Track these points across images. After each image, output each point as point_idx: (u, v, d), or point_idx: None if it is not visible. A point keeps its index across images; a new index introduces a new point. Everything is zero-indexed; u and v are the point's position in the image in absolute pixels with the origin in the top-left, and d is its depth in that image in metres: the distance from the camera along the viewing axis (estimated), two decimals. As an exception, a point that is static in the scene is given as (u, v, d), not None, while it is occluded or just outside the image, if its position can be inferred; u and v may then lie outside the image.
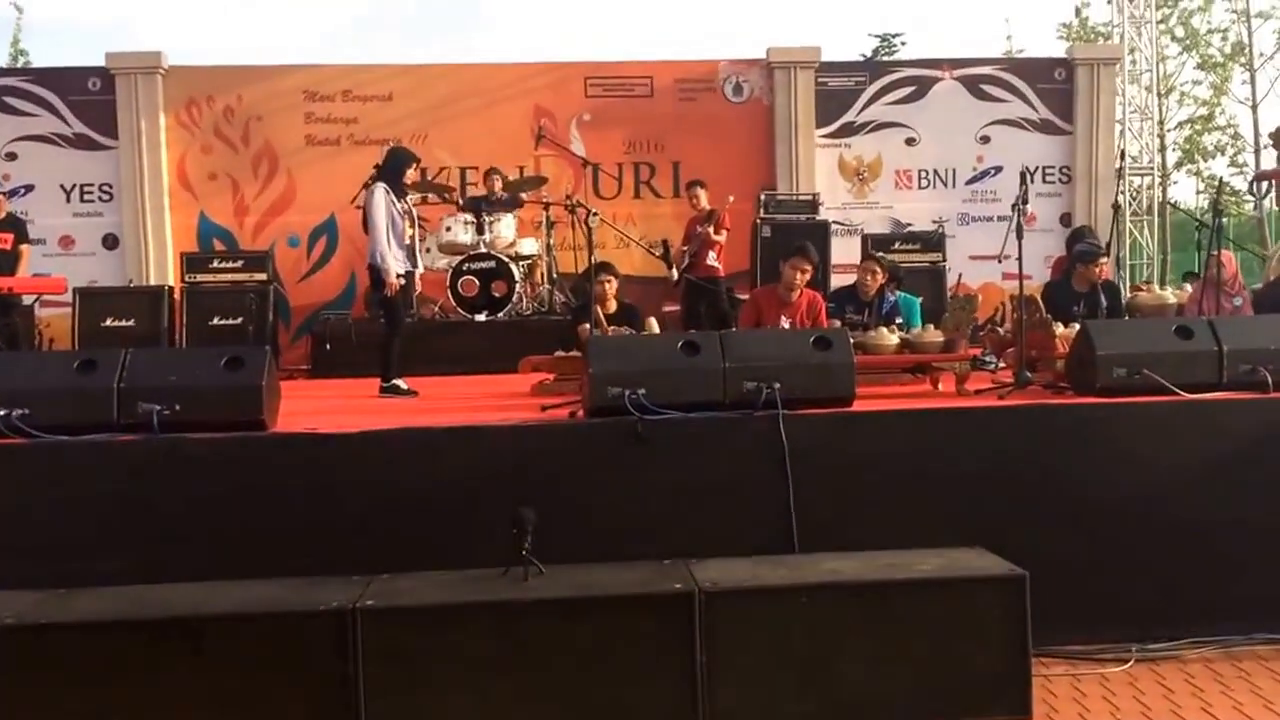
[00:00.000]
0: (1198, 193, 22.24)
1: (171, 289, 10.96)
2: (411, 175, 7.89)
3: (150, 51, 12.22)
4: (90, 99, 12.15)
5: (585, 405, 5.30)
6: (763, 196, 11.63)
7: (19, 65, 20.43)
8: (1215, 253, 7.53)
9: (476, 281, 10.28)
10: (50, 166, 12.09)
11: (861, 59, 22.37)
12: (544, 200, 11.00)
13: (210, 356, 5.40)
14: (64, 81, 12.20)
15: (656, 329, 7.79)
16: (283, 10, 44.65)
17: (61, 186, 12.15)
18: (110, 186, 12.20)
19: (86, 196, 12.20)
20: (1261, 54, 21.10)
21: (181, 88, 12.25)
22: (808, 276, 7.71)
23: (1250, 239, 19.02)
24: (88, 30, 39.19)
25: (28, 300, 10.55)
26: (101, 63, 12.13)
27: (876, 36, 27.22)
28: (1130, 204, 14.47)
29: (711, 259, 10.13)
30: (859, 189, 12.94)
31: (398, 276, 7.61)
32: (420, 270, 8.07)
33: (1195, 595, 5.14)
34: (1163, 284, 12.10)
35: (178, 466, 4.93)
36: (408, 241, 7.70)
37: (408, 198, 7.87)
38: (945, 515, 5.04)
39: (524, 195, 11.19)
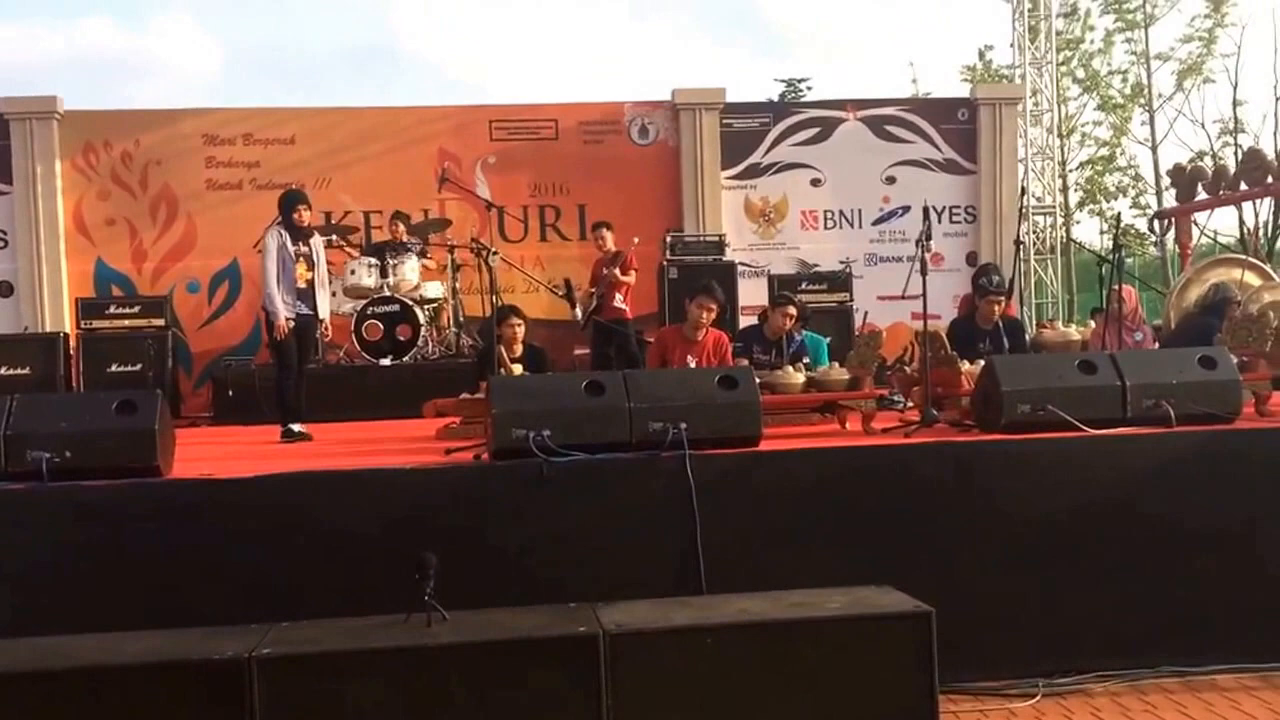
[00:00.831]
0: (1101, 232, 22.92)
1: (67, 336, 10.64)
2: (306, 217, 7.68)
3: (45, 96, 11.96)
4: (-16, 145, 11.84)
5: (489, 448, 5.24)
6: (669, 238, 11.70)
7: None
8: (1116, 287, 7.70)
9: (381, 325, 10.16)
10: (-56, 212, 11.75)
11: (767, 102, 22.79)
12: (448, 243, 10.93)
13: (101, 401, 5.23)
14: (-43, 126, 11.88)
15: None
16: (181, 55, 44.07)
17: (-44, 232, 11.80)
18: (5, 233, 11.88)
19: (-19, 242, 11.85)
20: (1160, 95, 21.81)
21: (78, 132, 12.00)
22: (713, 315, 7.76)
23: (1155, 279, 19.63)
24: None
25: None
26: (-5, 108, 11.85)
27: (783, 81, 27.76)
28: (1034, 243, 14.84)
29: (619, 301, 10.14)
30: (765, 230, 13.10)
31: (287, 320, 7.46)
32: (325, 315, 7.90)
33: (1101, 629, 5.20)
34: (1068, 322, 12.43)
35: (70, 514, 4.77)
36: (301, 285, 7.55)
37: (312, 240, 7.73)
38: (852, 553, 5.05)
39: (429, 238, 11.11)
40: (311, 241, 7.71)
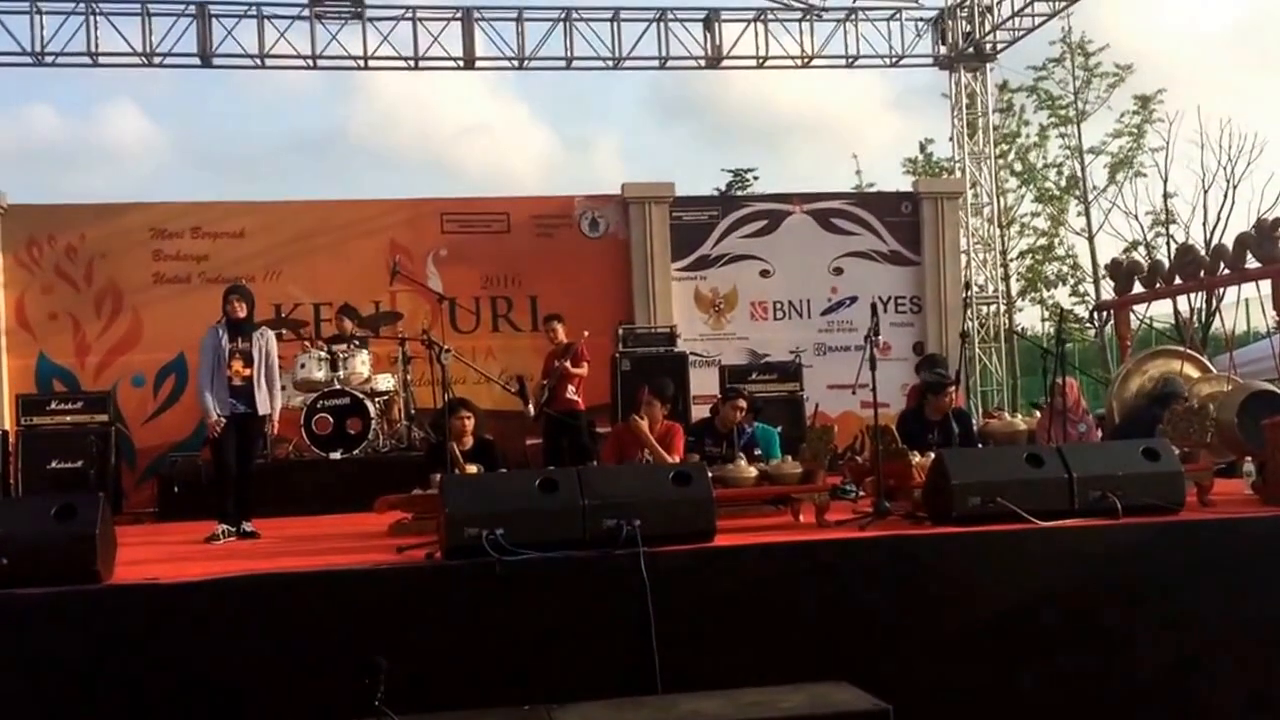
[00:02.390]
0: (1042, 319, 23.26)
1: (6, 433, 10.42)
2: (240, 310, 7.48)
3: (-13, 190, 11.86)
4: (-74, 238, 11.70)
5: (442, 547, 5.19)
6: (621, 330, 11.75)
7: None
8: (1060, 380, 7.79)
9: (330, 419, 10.04)
10: (-122, 308, 11.55)
11: (716, 193, 23.13)
12: (400, 336, 10.89)
13: (40, 506, 5.14)
14: (-104, 220, 11.75)
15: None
16: (126, 145, 44.05)
17: (-110, 328, 11.60)
18: (-55, 328, 11.67)
19: (-80, 338, 11.67)
20: (1095, 187, 22.28)
21: (22, 226, 11.90)
22: (666, 410, 7.83)
23: (1095, 363, 19.93)
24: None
25: None
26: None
27: (730, 171, 28.21)
28: (979, 331, 15.07)
29: (571, 393, 10.14)
30: (716, 320, 13.21)
31: (220, 418, 7.34)
32: (267, 410, 7.62)
33: (1056, 716, 5.22)
34: (1014, 409, 12.56)
35: (7, 622, 4.64)
36: (237, 382, 7.38)
37: (255, 335, 7.58)
38: (808, 648, 5.06)
39: (380, 331, 11.07)
40: (255, 336, 7.55)
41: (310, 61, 14.01)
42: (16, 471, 10.07)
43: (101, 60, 13.55)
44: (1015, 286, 22.53)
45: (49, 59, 13.37)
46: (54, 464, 10.06)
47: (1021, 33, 15.16)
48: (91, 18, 13.25)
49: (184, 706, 4.56)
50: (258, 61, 13.90)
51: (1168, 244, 20.92)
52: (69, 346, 11.89)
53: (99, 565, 4.92)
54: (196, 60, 13.71)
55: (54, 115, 45.65)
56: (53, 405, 10.48)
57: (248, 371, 7.44)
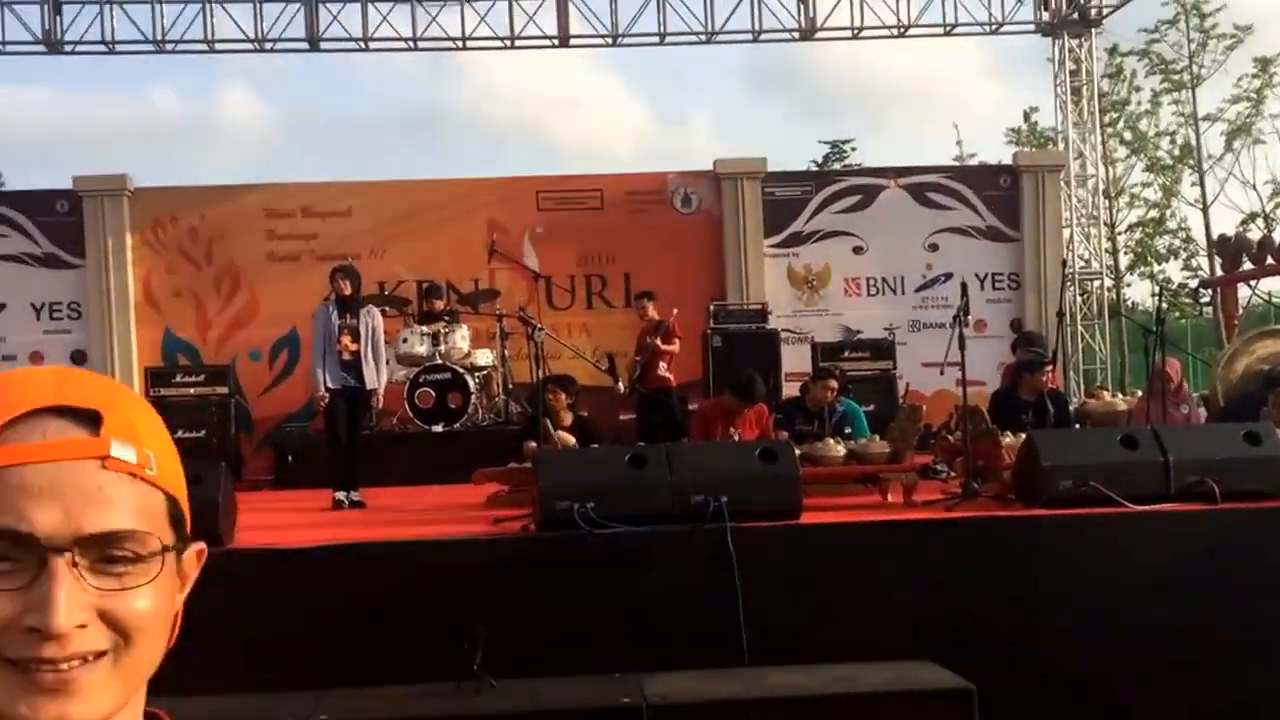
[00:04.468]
0: (1152, 294, 22.65)
1: (136, 403, 10.98)
2: (346, 288, 7.85)
3: (116, 174, 12.43)
4: (59, 220, 12.32)
5: (535, 519, 5.42)
6: (712, 306, 11.84)
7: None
8: (1159, 359, 7.66)
9: (433, 393, 10.40)
10: (21, 286, 12.21)
11: (814, 165, 22.98)
12: (497, 312, 11.17)
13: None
14: (33, 203, 12.41)
15: (570, 441, 7.79)
16: (245, 133, 45.34)
17: (32, 305, 12.27)
18: (78, 304, 12.31)
19: (55, 314, 12.32)
20: (1210, 156, 21.43)
21: (147, 208, 12.44)
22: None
23: (1208, 341, 19.31)
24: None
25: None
26: (69, 185, 12.34)
27: (827, 143, 28.00)
28: (1081, 308, 14.64)
29: (662, 369, 10.31)
30: (808, 297, 13.12)
31: (329, 390, 7.67)
32: (375, 385, 7.96)
33: (1147, 707, 5.16)
34: (1124, 389, 12.22)
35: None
36: (346, 357, 7.70)
37: (363, 311, 7.90)
38: (893, 627, 5.12)
39: (479, 308, 11.37)
40: (361, 313, 7.86)
41: (411, 43, 14.39)
42: (144, 440, 10.64)
43: (218, 46, 14.11)
44: (1124, 260, 21.86)
45: (169, 46, 13.95)
46: (179, 433, 10.59)
47: (1129, -5, 14.47)
48: (208, 5, 13.77)
49: (296, 665, 4.85)
50: (361, 45, 14.31)
51: (1287, 215, 20.26)
52: (191, 322, 12.44)
53: (221, 529, 5.26)
54: (305, 44, 14.18)
55: (173, 97, 47.26)
56: (178, 378, 11.05)
57: (356, 347, 7.76)
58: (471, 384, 10.51)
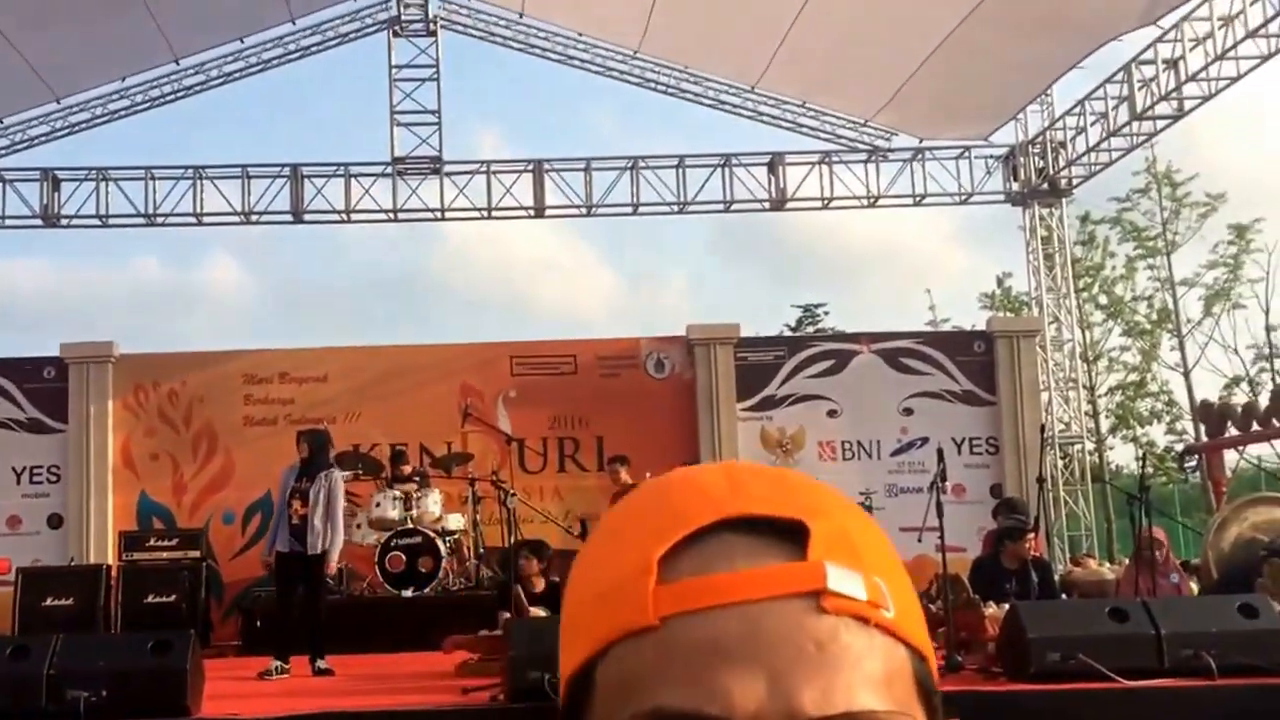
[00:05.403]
0: (1135, 458, 22.22)
1: (109, 568, 11.12)
2: (299, 450, 8.02)
3: (103, 341, 12.80)
4: (45, 386, 12.65)
5: (504, 689, 5.53)
6: (685, 470, 11.97)
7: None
8: (1147, 526, 7.49)
9: (403, 557, 10.52)
10: (3, 450, 12.45)
11: (787, 328, 23.31)
12: (469, 476, 11.37)
13: (138, 641, 5.67)
14: (21, 370, 12.75)
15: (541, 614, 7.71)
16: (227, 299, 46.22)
17: (13, 468, 12.49)
18: (58, 468, 12.52)
19: (35, 478, 12.53)
20: (1189, 320, 20.87)
21: (130, 374, 12.76)
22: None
23: (1196, 506, 18.59)
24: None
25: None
26: (56, 353, 12.71)
27: (799, 307, 28.64)
28: (1063, 473, 14.31)
29: (634, 533, 10.46)
30: (783, 459, 12.94)
31: (277, 553, 7.79)
32: (318, 550, 7.81)
33: None
34: (1111, 556, 11.76)
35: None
36: (294, 521, 7.77)
37: (321, 475, 7.95)
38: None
39: (452, 471, 11.57)
40: (320, 477, 7.90)
41: (392, 215, 14.99)
42: (117, 604, 10.73)
43: (205, 220, 14.72)
44: (1105, 424, 21.28)
45: (159, 219, 14.55)
46: (150, 598, 10.71)
47: (1099, 167, 14.51)
48: (199, 181, 14.41)
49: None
50: (344, 216, 14.92)
51: (1273, 379, 19.73)
52: (167, 485, 12.63)
53: (189, 699, 5.42)
54: (289, 217, 14.77)
55: (158, 266, 48.31)
56: (151, 542, 11.21)
57: (304, 511, 7.79)
58: (443, 548, 10.65)
